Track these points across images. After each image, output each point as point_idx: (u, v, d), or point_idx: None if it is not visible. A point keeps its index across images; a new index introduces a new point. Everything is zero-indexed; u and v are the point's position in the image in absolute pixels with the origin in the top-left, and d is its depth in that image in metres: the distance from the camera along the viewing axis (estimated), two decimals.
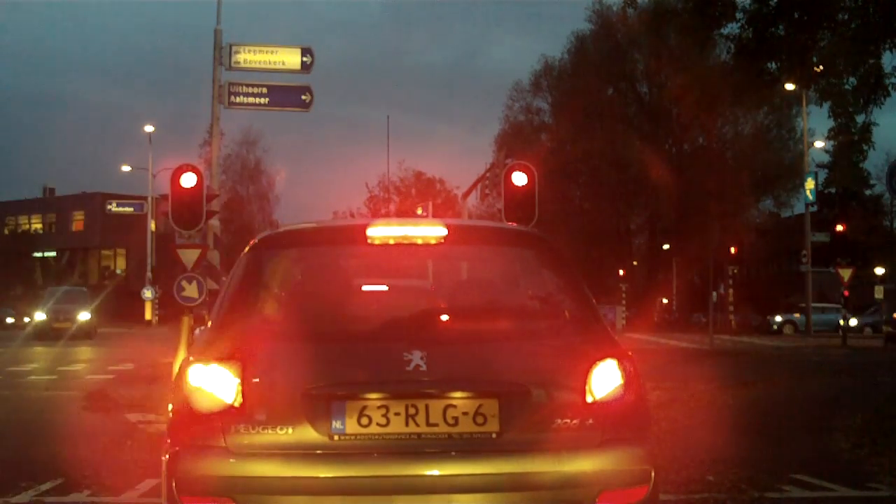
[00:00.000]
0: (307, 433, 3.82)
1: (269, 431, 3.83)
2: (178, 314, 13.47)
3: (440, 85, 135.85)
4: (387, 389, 3.89)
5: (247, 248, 4.59)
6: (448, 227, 4.47)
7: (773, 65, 12.94)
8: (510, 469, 3.83)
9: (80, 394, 14.42)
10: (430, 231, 4.45)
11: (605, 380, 4.01)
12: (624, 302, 49.63)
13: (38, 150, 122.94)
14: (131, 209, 61.49)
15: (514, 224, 9.12)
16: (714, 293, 34.06)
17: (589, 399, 3.97)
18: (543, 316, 4.49)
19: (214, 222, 14.58)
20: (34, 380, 17.28)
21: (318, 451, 3.82)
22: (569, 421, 3.93)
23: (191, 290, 12.66)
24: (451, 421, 3.87)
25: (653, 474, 4.00)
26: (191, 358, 4.06)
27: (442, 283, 5.19)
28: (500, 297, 4.69)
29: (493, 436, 3.87)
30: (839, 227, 47.02)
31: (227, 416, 3.86)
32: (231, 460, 3.83)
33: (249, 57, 17.08)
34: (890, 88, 12.51)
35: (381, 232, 4.42)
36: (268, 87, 17.27)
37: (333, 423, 3.83)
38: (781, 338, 42.72)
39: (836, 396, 14.76)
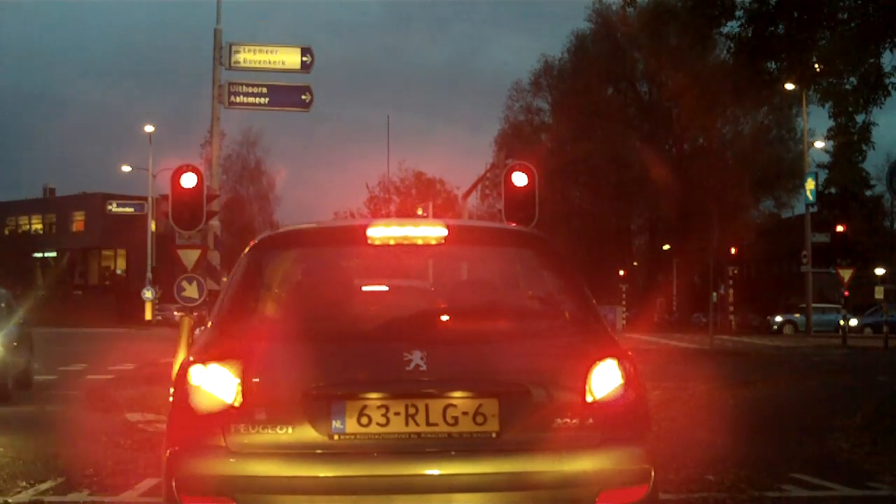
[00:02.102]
0: (307, 433, 3.82)
1: (270, 431, 3.84)
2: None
3: (440, 85, 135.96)
4: (387, 389, 3.89)
5: (247, 249, 4.60)
6: (448, 227, 4.47)
7: (773, 64, 12.95)
8: (510, 469, 3.84)
9: (80, 393, 14.42)
10: (431, 231, 4.45)
11: (604, 379, 4.01)
12: (624, 302, 49.71)
13: (38, 150, 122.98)
14: (131, 209, 61.53)
15: (515, 224, 9.12)
16: (714, 293, 34.07)
17: (589, 399, 3.97)
18: (543, 316, 4.50)
19: (215, 223, 14.56)
20: (34, 379, 17.26)
21: (318, 451, 3.82)
22: (569, 420, 3.93)
23: (191, 291, 12.66)
24: (450, 420, 3.87)
25: (652, 474, 4.00)
26: (191, 358, 4.06)
27: (442, 283, 5.20)
28: (500, 298, 4.70)
29: (493, 435, 3.87)
30: (839, 228, 46.94)
31: (227, 416, 3.86)
32: (231, 460, 3.83)
33: (249, 57, 17.07)
34: (890, 88, 12.51)
35: (382, 232, 4.42)
36: (268, 86, 17.26)
37: (333, 422, 3.84)
38: (781, 338, 42.74)
39: (837, 396, 14.77)
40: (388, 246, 4.45)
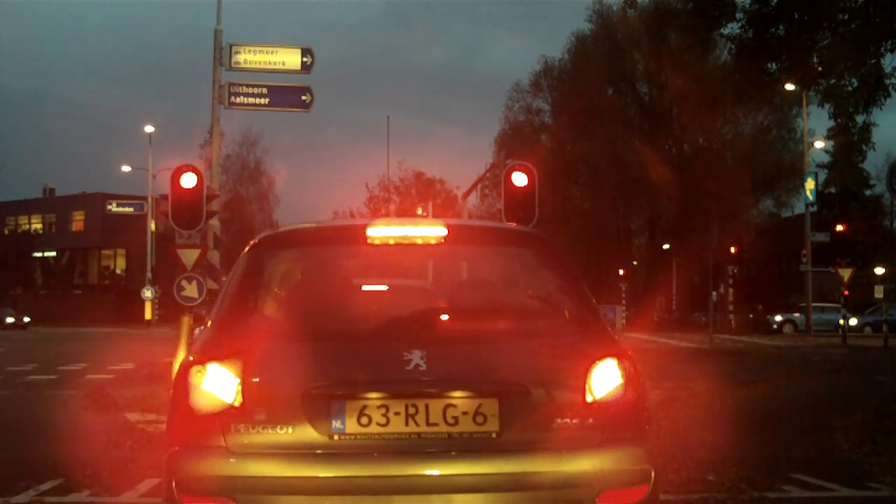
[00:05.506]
0: (307, 433, 3.82)
1: (270, 431, 3.83)
2: (178, 314, 13.47)
3: (440, 85, 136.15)
4: (387, 389, 3.88)
5: (247, 248, 4.59)
6: (448, 226, 4.46)
7: (774, 65, 12.96)
8: (510, 469, 3.83)
9: (80, 393, 14.41)
10: (430, 231, 4.45)
11: (604, 379, 4.01)
12: (624, 302, 49.63)
13: (38, 150, 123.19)
14: (131, 209, 61.57)
15: (515, 224, 9.12)
16: (714, 293, 34.08)
17: (589, 399, 3.97)
18: (543, 316, 4.49)
19: (214, 222, 14.57)
20: (34, 379, 17.27)
21: (318, 451, 3.82)
22: (569, 420, 3.93)
23: (191, 290, 12.67)
24: (450, 420, 3.86)
25: (653, 474, 4.00)
26: (191, 358, 4.05)
27: (442, 282, 5.19)
28: (500, 297, 4.69)
29: (493, 435, 3.87)
30: (839, 227, 46.95)
31: (227, 416, 3.85)
32: (231, 460, 3.82)
33: (249, 57, 17.08)
34: (890, 89, 12.51)
35: (381, 232, 4.42)
36: (268, 87, 17.27)
37: (333, 422, 3.83)
38: (781, 337, 42.74)
39: (836, 396, 14.76)
40: (388, 245, 4.45)
